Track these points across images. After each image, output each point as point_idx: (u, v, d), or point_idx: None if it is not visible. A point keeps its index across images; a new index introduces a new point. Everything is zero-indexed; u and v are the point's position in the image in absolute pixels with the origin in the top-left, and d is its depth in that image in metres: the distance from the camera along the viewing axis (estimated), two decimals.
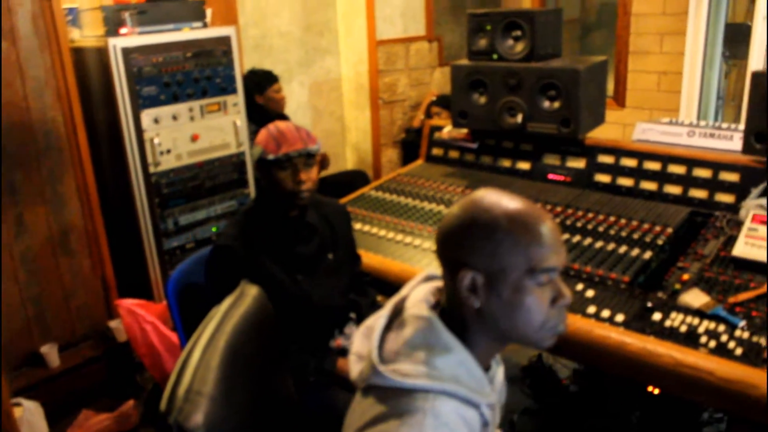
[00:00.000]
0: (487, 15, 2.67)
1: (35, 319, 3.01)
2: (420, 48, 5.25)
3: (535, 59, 2.59)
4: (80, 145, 3.03)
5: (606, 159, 2.49)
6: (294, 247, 1.97)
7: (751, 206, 2.07)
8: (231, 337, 1.40)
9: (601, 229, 2.18)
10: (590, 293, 1.88)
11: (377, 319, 1.21)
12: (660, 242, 2.06)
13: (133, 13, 3.03)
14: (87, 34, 3.24)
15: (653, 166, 2.38)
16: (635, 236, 2.11)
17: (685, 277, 1.89)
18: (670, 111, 4.69)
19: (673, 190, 2.32)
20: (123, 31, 3.01)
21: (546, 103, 2.53)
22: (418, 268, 2.09)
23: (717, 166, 2.26)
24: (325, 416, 1.74)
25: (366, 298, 2.15)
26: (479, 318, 1.12)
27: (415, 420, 1.04)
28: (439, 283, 1.24)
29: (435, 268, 1.30)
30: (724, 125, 2.53)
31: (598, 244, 2.10)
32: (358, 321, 2.10)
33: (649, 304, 1.78)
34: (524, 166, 2.68)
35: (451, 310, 1.16)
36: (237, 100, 3.40)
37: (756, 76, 2.17)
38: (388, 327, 1.19)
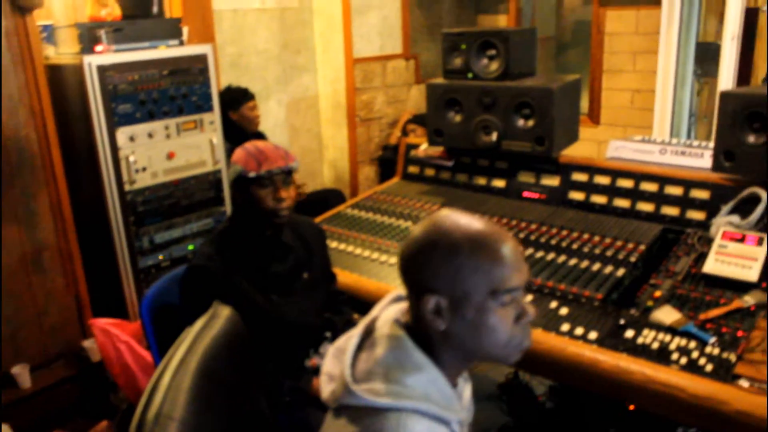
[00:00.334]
0: (461, 34, 2.70)
1: (7, 339, 2.96)
2: (397, 66, 5.28)
3: (510, 78, 2.62)
4: (54, 163, 3.00)
5: (580, 177, 2.52)
6: (269, 267, 1.96)
7: (721, 223, 2.10)
8: (203, 359, 1.39)
9: (575, 246, 2.20)
10: (564, 311, 1.89)
11: (349, 340, 1.22)
12: (633, 259, 2.08)
13: (109, 30, 3.02)
14: (62, 51, 3.22)
15: (626, 183, 2.41)
16: (608, 253, 2.13)
17: (657, 294, 1.91)
18: (644, 128, 4.75)
19: (646, 207, 2.35)
20: (98, 48, 3.00)
21: (520, 122, 2.56)
22: (393, 287, 2.10)
23: (688, 184, 2.29)
24: None
25: (341, 316, 2.15)
26: (445, 338, 1.14)
27: None
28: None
29: None
30: (695, 143, 2.57)
31: (572, 262, 2.12)
32: (334, 340, 2.09)
33: (622, 322, 1.79)
34: (499, 183, 2.70)
35: (418, 330, 1.17)
36: (213, 117, 3.39)
37: (724, 96, 2.21)
38: (360, 347, 1.20)
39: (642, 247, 2.13)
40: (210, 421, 1.35)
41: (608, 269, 2.05)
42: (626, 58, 4.84)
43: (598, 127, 5.06)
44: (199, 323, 1.54)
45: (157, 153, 3.19)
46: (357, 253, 2.38)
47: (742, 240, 1.99)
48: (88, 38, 3.01)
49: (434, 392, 1.12)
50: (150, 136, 3.14)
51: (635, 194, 2.38)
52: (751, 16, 4.28)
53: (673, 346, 1.68)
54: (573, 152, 2.67)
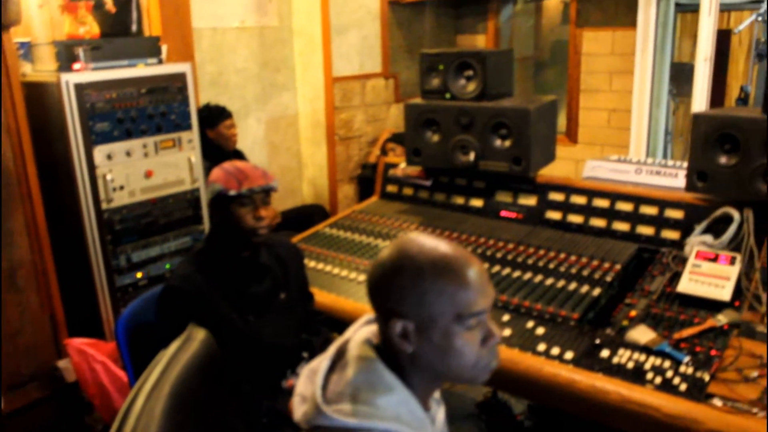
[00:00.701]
0: (439, 55, 2.73)
1: None
2: (376, 85, 5.31)
3: (487, 98, 2.64)
4: (30, 181, 2.97)
5: (557, 196, 2.54)
6: (246, 288, 1.96)
7: (695, 243, 2.13)
8: (176, 383, 1.38)
9: (551, 266, 2.22)
10: (540, 330, 1.90)
11: (321, 361, 1.22)
12: (609, 279, 2.10)
13: (87, 48, 3.01)
14: (39, 68, 3.20)
15: (602, 203, 2.44)
16: (585, 273, 2.14)
17: (633, 313, 1.93)
18: (620, 147, 4.81)
19: (622, 226, 2.37)
20: (76, 66, 2.98)
21: (498, 142, 2.58)
22: (370, 307, 2.09)
23: (663, 204, 2.32)
24: None
25: (319, 336, 2.14)
26: (414, 361, 1.15)
27: None
28: None
29: None
30: (670, 163, 2.61)
31: (549, 281, 2.13)
32: (311, 360, 2.09)
33: (598, 341, 1.81)
34: (477, 203, 2.71)
35: (388, 351, 1.18)
36: (192, 136, 3.38)
37: (697, 118, 2.24)
38: (332, 369, 1.21)
39: (618, 267, 2.15)
40: None
41: (584, 289, 2.06)
42: (603, 78, 4.90)
43: (576, 145, 5.11)
44: (174, 346, 1.53)
45: (134, 171, 3.17)
46: (335, 272, 2.38)
47: (715, 259, 2.01)
48: (66, 56, 2.99)
49: (405, 413, 1.13)
50: (128, 154, 3.13)
51: (611, 214, 2.41)
52: (723, 38, 4.37)
53: (648, 366, 1.69)
54: (551, 170, 2.69)
